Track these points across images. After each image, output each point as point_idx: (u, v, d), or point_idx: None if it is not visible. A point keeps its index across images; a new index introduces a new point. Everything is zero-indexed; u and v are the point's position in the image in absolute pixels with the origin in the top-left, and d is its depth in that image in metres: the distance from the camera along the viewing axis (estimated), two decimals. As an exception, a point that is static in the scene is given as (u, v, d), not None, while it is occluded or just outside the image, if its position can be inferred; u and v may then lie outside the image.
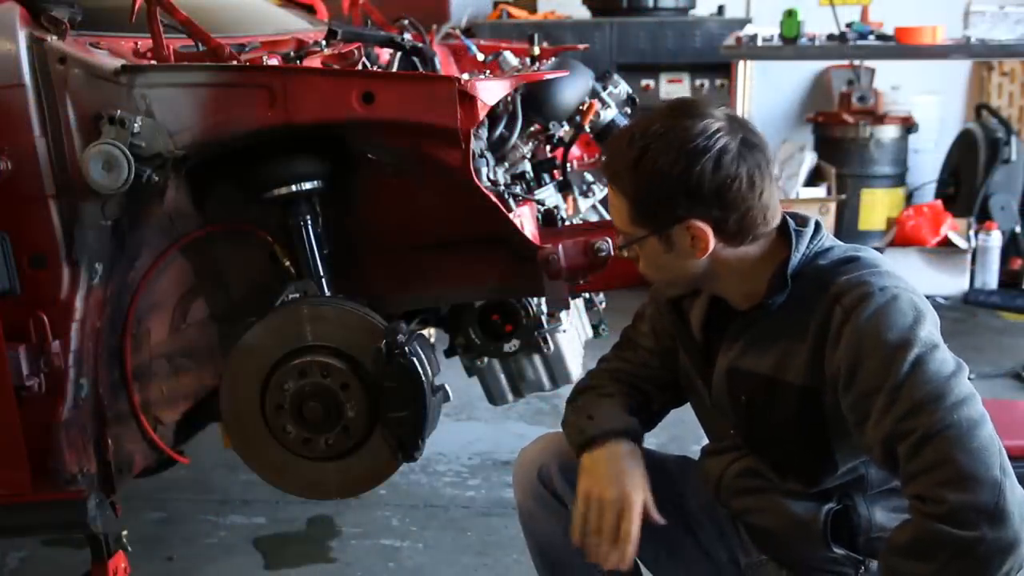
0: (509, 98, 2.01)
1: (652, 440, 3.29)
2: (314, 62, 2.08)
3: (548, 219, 2.07)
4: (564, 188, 2.36)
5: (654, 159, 1.41)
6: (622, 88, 2.40)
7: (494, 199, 1.78)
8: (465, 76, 1.74)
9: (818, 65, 5.60)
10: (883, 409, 1.33)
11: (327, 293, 1.89)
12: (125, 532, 1.92)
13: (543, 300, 2.09)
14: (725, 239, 1.44)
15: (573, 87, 2.24)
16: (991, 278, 4.52)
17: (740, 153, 1.40)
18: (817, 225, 1.50)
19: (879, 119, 5.06)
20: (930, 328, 1.37)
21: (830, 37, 4.33)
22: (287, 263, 1.96)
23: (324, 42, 2.08)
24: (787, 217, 1.50)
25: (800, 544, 1.56)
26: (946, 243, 4.53)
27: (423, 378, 1.74)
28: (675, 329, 1.68)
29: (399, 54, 2.37)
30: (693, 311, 1.64)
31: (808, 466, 1.51)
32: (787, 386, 1.46)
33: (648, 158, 1.41)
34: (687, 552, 1.75)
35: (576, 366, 2.21)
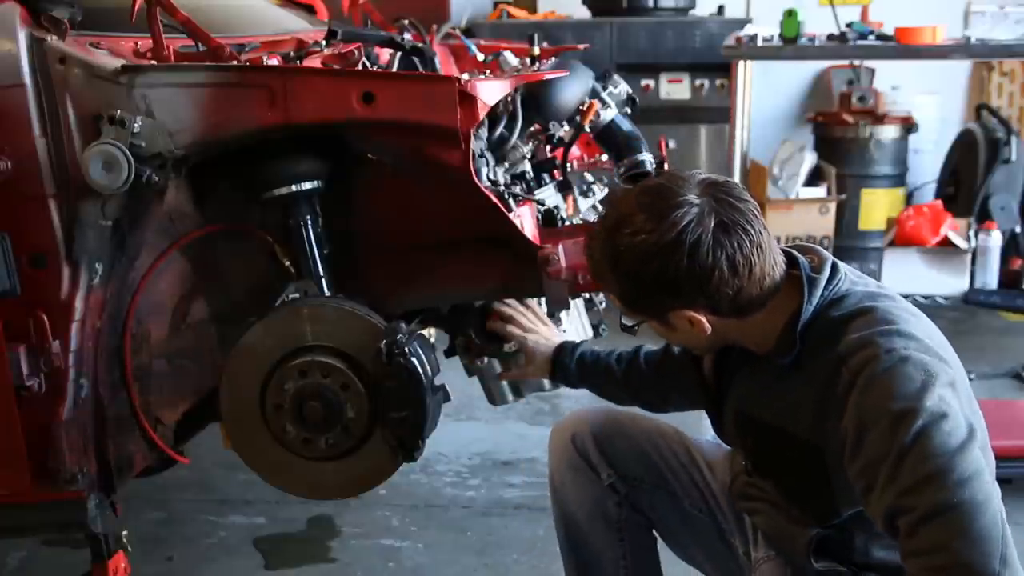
0: (509, 98, 2.01)
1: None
2: (314, 62, 2.08)
3: (548, 219, 2.06)
4: (564, 188, 2.36)
5: (628, 263, 1.38)
6: (622, 88, 2.39)
7: (494, 199, 1.78)
8: (465, 76, 1.73)
9: (818, 65, 5.60)
10: (885, 482, 1.28)
11: (327, 293, 1.89)
12: (125, 532, 1.92)
13: (543, 300, 2.09)
14: (723, 316, 1.41)
15: (573, 87, 2.23)
16: (991, 278, 4.51)
17: (716, 240, 1.34)
18: (834, 268, 1.44)
19: (879, 119, 5.05)
20: (940, 393, 1.29)
21: (830, 37, 4.33)
22: (287, 263, 1.96)
23: (324, 42, 2.08)
24: (801, 260, 1.44)
25: (789, 554, 1.57)
26: (946, 243, 4.52)
27: (423, 378, 1.74)
28: (686, 369, 1.74)
29: (399, 54, 2.37)
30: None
31: (811, 508, 1.51)
32: (793, 439, 1.44)
33: (622, 262, 1.39)
34: (710, 538, 1.78)
35: (576, 366, 2.21)
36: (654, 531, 1.84)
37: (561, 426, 1.86)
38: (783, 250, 1.45)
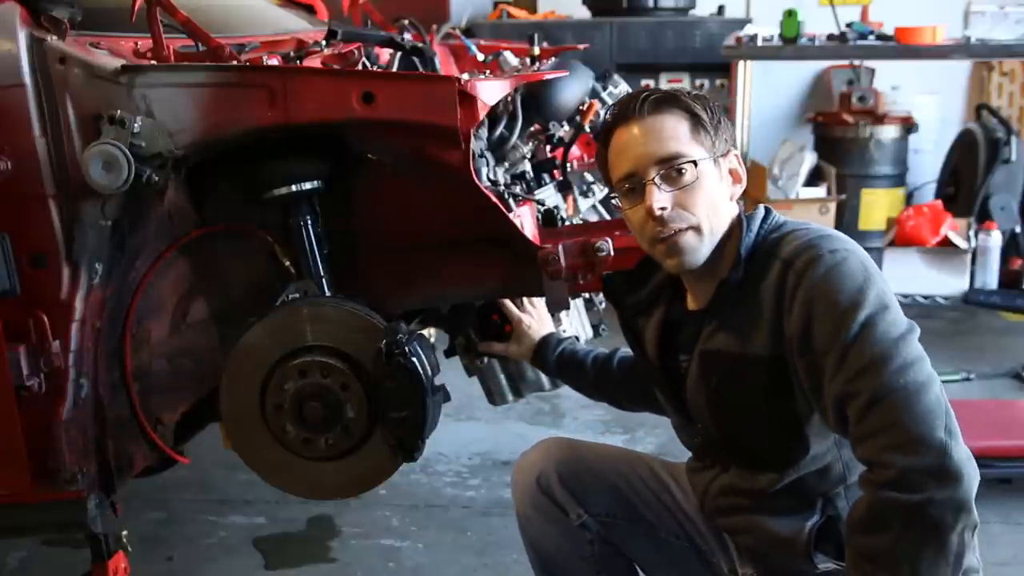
0: (509, 98, 2.01)
1: (652, 440, 3.29)
2: (314, 62, 2.08)
3: (548, 219, 2.07)
4: (564, 188, 2.36)
5: (702, 97, 1.54)
6: (622, 88, 2.40)
7: (494, 199, 1.78)
8: (465, 76, 1.73)
9: (818, 65, 5.60)
10: (833, 370, 1.36)
11: (327, 293, 1.89)
12: (125, 532, 1.92)
13: (543, 300, 2.09)
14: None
15: (573, 87, 2.24)
16: (991, 278, 4.50)
17: None
18: (767, 210, 1.56)
19: (879, 119, 5.05)
20: (880, 288, 1.39)
21: (830, 37, 4.33)
22: (287, 263, 1.96)
23: (324, 42, 2.08)
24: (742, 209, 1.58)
25: (787, 561, 1.56)
26: (946, 243, 4.52)
27: (423, 378, 1.74)
28: (635, 353, 1.73)
29: (399, 54, 2.37)
30: (647, 335, 1.67)
31: (779, 448, 1.51)
32: (754, 359, 1.47)
33: (697, 95, 1.54)
34: (690, 563, 1.76)
35: (576, 366, 2.21)
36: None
37: (524, 465, 1.84)
38: None
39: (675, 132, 1.50)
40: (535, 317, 2.06)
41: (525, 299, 2.09)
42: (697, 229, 1.50)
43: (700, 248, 1.51)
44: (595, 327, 2.48)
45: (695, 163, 1.48)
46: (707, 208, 1.50)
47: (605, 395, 1.99)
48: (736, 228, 1.54)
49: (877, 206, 4.96)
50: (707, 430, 1.61)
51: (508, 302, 2.07)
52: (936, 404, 1.31)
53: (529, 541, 1.82)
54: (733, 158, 1.56)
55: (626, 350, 1.94)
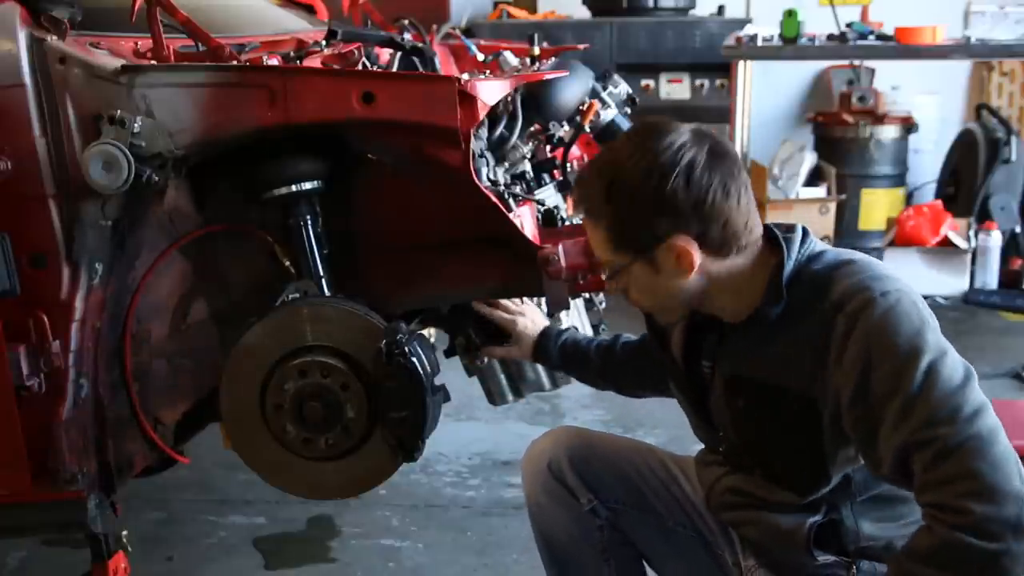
0: (509, 98, 2.01)
1: (652, 440, 3.29)
2: (314, 62, 2.08)
3: (548, 219, 2.07)
4: (564, 188, 2.36)
5: (625, 184, 1.41)
6: (622, 88, 2.39)
7: (494, 199, 1.78)
8: (465, 76, 1.73)
9: (818, 65, 5.61)
10: (897, 419, 1.31)
11: (327, 293, 1.89)
12: (125, 532, 1.92)
13: (543, 300, 2.09)
14: (710, 252, 1.43)
15: (573, 87, 2.23)
16: (991, 278, 4.52)
17: (709, 164, 1.40)
18: (804, 231, 1.49)
19: (879, 119, 5.06)
20: (935, 328, 1.35)
21: (830, 37, 4.34)
22: (287, 263, 1.96)
23: (324, 42, 2.08)
24: (771, 226, 1.50)
25: (786, 554, 1.56)
26: (946, 243, 4.53)
27: (423, 378, 1.74)
28: (658, 355, 1.72)
29: (399, 54, 2.37)
30: (673, 337, 1.66)
31: (802, 476, 1.50)
32: (788, 394, 1.44)
33: (619, 183, 1.42)
34: (696, 553, 1.77)
35: (576, 366, 2.21)
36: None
37: (535, 452, 1.84)
38: None
39: (597, 241, 1.49)
40: (527, 315, 2.05)
41: (511, 300, 2.08)
42: (652, 308, 1.55)
43: (667, 317, 1.57)
44: (595, 327, 2.48)
45: (616, 273, 1.49)
46: (652, 299, 1.51)
47: (611, 382, 1.97)
48: (768, 257, 1.47)
49: (877, 206, 4.97)
50: (730, 439, 1.61)
51: (500, 313, 2.04)
52: (1007, 452, 1.28)
53: (539, 527, 1.83)
54: (678, 243, 1.41)
55: (629, 335, 1.94)
